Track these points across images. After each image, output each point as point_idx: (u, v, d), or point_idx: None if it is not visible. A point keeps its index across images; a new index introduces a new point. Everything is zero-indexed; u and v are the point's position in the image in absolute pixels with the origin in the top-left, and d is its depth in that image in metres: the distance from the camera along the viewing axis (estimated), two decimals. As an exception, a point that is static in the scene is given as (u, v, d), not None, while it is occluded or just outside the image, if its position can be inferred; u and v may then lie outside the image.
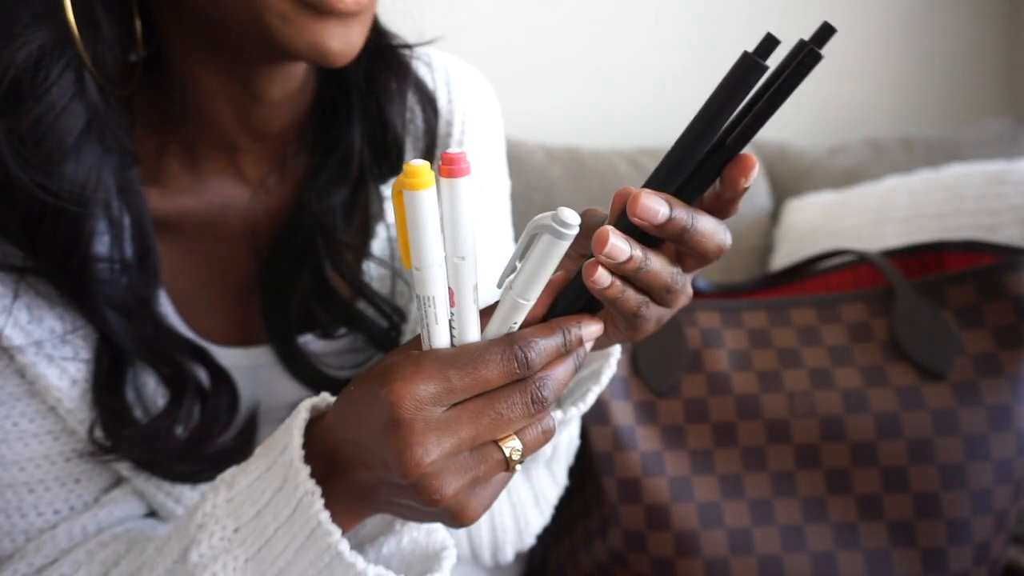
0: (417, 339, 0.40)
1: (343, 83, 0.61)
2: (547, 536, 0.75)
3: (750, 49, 0.36)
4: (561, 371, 0.39)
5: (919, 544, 0.64)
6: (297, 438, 0.42)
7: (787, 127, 1.69)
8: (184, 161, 0.58)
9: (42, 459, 0.56)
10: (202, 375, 0.58)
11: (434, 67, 0.67)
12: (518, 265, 0.37)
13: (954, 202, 1.15)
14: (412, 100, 0.65)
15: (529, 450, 0.40)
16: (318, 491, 0.41)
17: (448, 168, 0.34)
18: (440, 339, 0.38)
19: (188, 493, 0.60)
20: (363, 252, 0.63)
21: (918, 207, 1.18)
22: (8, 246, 0.52)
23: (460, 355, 0.37)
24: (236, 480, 0.45)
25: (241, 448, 0.59)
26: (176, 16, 0.52)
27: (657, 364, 0.69)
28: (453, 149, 0.36)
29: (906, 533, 0.64)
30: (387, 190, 0.64)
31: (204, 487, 0.60)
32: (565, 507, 0.75)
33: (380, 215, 0.64)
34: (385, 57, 0.61)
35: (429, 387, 0.37)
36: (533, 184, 1.30)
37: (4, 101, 0.48)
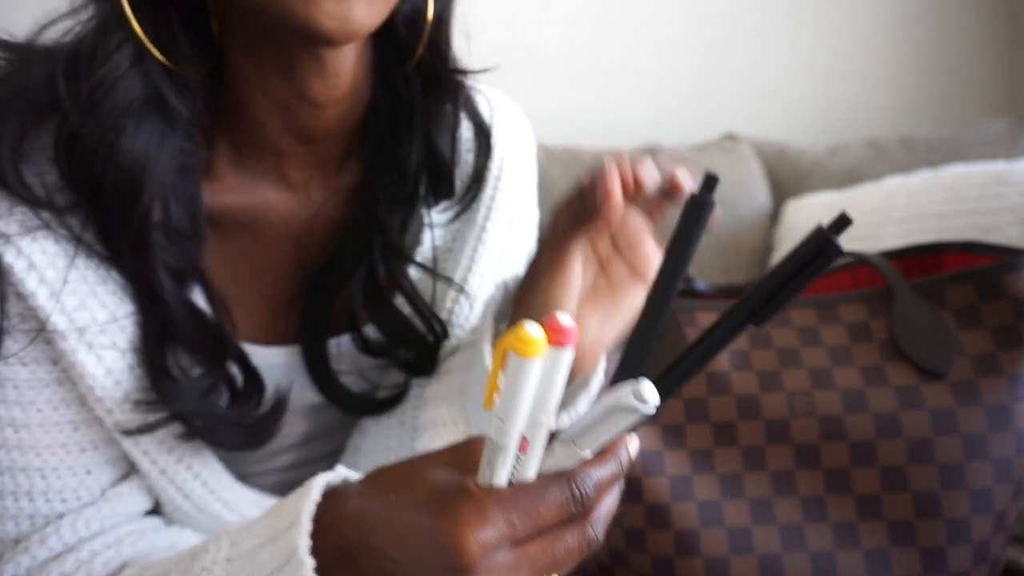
0: (466, 456, 0.40)
1: (400, 102, 0.61)
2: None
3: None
4: (610, 500, 0.41)
5: (919, 544, 0.64)
6: (305, 523, 0.42)
7: (787, 127, 1.70)
8: (231, 161, 0.59)
9: (59, 447, 0.56)
10: (235, 370, 0.59)
11: (485, 98, 0.69)
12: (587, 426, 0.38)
13: (954, 202, 1.15)
14: (468, 130, 0.66)
15: (564, 573, 0.41)
16: None
17: (557, 337, 0.35)
18: (500, 480, 0.39)
19: (198, 490, 0.60)
20: (407, 267, 0.64)
21: (918, 207, 1.18)
22: (67, 218, 0.52)
23: (522, 497, 0.38)
24: (239, 540, 0.45)
25: (274, 420, 0.61)
26: (223, 10, 0.54)
27: (658, 364, 0.69)
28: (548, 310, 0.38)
29: (906, 533, 0.65)
30: (434, 216, 0.65)
31: (214, 484, 0.61)
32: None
33: (419, 238, 0.65)
34: (441, 79, 0.62)
35: (495, 532, 0.37)
36: (533, 184, 1.30)
37: (69, 62, 0.50)
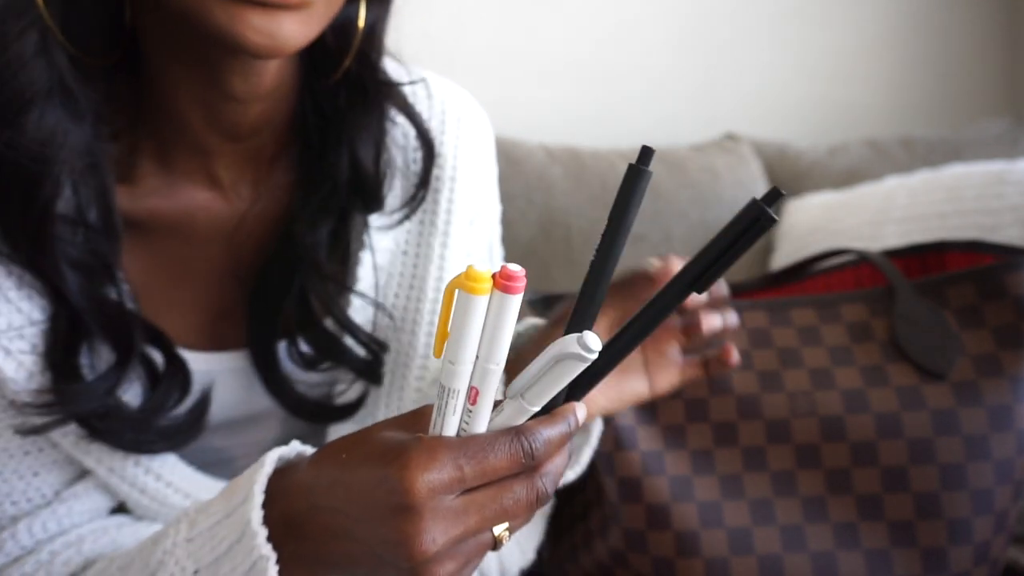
0: (418, 418, 0.41)
1: (328, 109, 0.60)
2: (547, 536, 0.75)
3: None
4: (560, 461, 0.41)
5: (919, 544, 0.64)
6: (258, 496, 0.42)
7: (787, 127, 1.69)
8: (156, 161, 0.58)
9: (0, 452, 0.55)
10: (157, 358, 0.58)
11: (433, 97, 0.67)
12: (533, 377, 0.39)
13: (954, 202, 1.15)
14: (409, 134, 0.65)
15: (515, 529, 0.42)
16: (272, 557, 0.41)
17: (504, 283, 0.36)
18: (450, 429, 0.39)
19: (152, 484, 0.59)
20: (345, 282, 0.63)
21: (918, 207, 1.18)
22: None
23: (471, 444, 0.38)
24: (197, 520, 0.45)
25: (192, 423, 0.59)
26: (143, 5, 0.52)
27: (657, 364, 0.69)
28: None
29: (906, 533, 0.64)
30: (373, 220, 0.64)
31: (169, 477, 0.60)
32: (565, 507, 0.75)
33: (361, 245, 0.64)
34: (368, 91, 0.60)
35: (443, 475, 0.37)
36: (533, 184, 1.30)
37: None
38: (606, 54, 1.59)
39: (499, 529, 0.40)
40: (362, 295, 0.63)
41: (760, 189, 1.45)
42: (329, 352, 0.63)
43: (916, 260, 0.78)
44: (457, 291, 0.36)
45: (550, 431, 0.40)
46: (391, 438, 0.39)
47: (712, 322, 0.60)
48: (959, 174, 1.20)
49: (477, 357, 0.38)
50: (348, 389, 0.66)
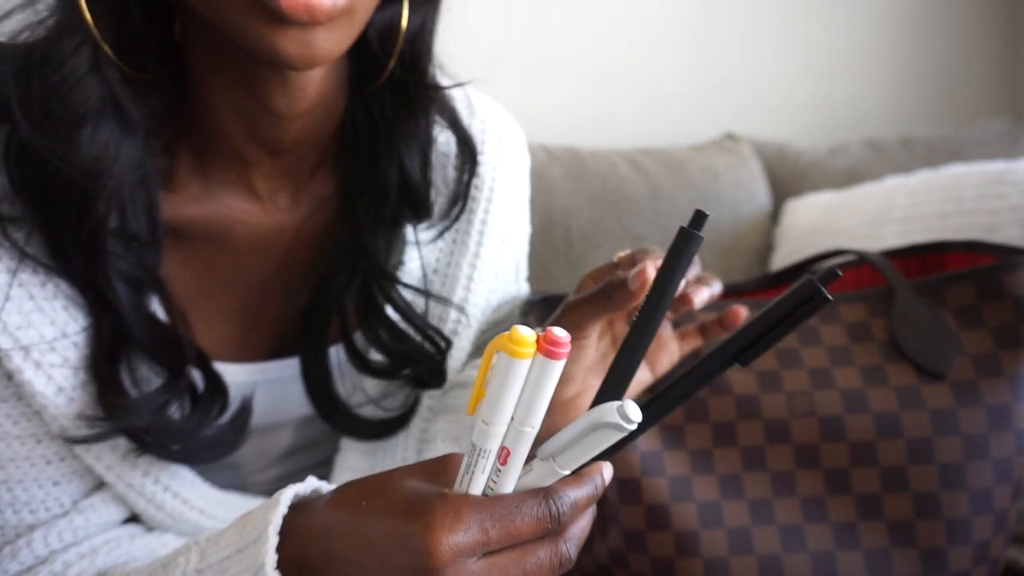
0: (444, 467, 0.40)
1: (373, 117, 0.60)
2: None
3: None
4: (585, 522, 0.41)
5: (919, 544, 0.64)
6: (272, 538, 0.41)
7: (787, 127, 1.69)
8: (195, 171, 0.58)
9: (22, 460, 0.55)
10: (196, 377, 0.58)
11: (475, 115, 0.67)
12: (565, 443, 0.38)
13: (954, 202, 1.15)
14: (450, 142, 0.64)
15: None
16: None
17: (549, 348, 0.35)
18: (477, 487, 0.39)
19: (169, 501, 0.59)
20: (397, 287, 0.63)
21: (918, 207, 1.18)
22: (11, 230, 0.51)
23: (498, 507, 0.38)
24: (208, 551, 0.45)
25: (236, 432, 0.59)
26: (187, 18, 0.52)
27: (657, 364, 0.69)
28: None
29: (906, 533, 0.64)
30: (409, 235, 0.64)
31: (187, 495, 0.60)
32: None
33: (402, 257, 0.64)
34: (414, 97, 0.60)
35: (468, 537, 0.37)
36: (533, 184, 1.29)
37: (20, 66, 0.48)
38: (606, 54, 1.59)
39: None
40: (417, 289, 0.63)
41: (760, 189, 1.45)
42: (396, 344, 0.62)
43: (916, 260, 0.78)
44: (498, 352, 0.35)
45: (577, 493, 0.39)
46: (415, 491, 0.39)
47: (702, 296, 0.57)
48: (959, 174, 1.20)
49: (512, 419, 0.37)
50: (398, 400, 0.65)
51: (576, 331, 0.53)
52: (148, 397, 0.54)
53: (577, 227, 1.31)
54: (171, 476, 0.59)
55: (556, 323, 0.51)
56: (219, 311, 0.61)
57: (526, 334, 0.35)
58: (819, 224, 1.28)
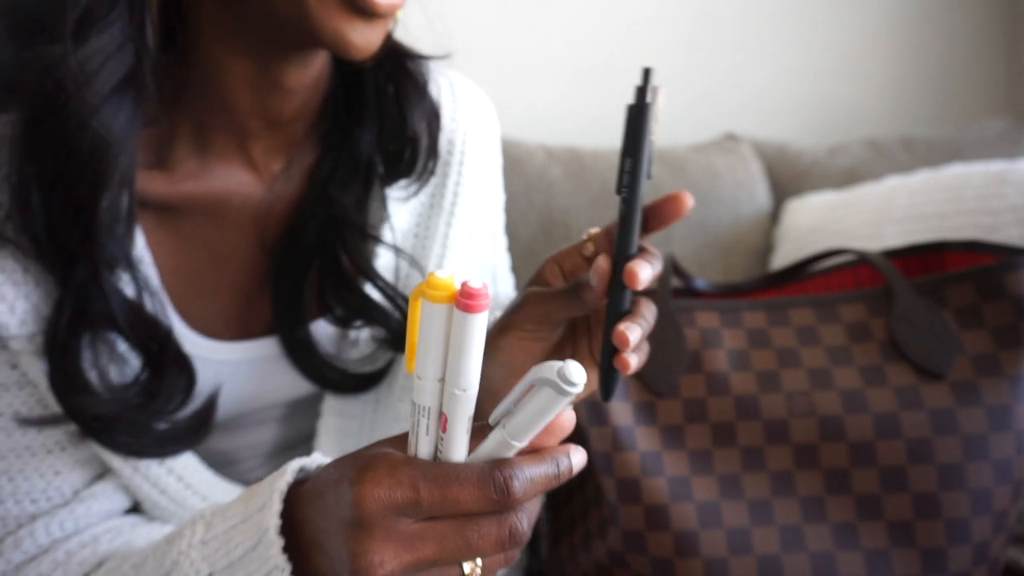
0: (404, 437, 0.39)
1: (360, 84, 0.63)
2: (547, 537, 0.75)
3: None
4: (536, 503, 0.38)
5: (918, 544, 0.64)
6: (276, 504, 0.41)
7: (787, 127, 1.69)
8: (193, 144, 0.58)
9: (23, 450, 0.56)
10: (166, 355, 0.57)
11: (439, 83, 0.69)
12: (513, 407, 0.36)
13: (954, 202, 1.15)
14: (422, 110, 0.66)
15: (492, 569, 0.39)
16: (288, 568, 0.40)
17: (463, 301, 0.33)
18: (424, 450, 0.38)
19: (174, 485, 0.60)
20: (370, 250, 0.64)
21: (918, 207, 1.18)
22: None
23: (437, 470, 0.36)
24: (213, 523, 0.45)
25: (193, 431, 0.59)
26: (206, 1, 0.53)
27: (656, 364, 0.69)
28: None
29: (905, 533, 0.64)
30: (392, 192, 0.65)
31: (190, 479, 0.61)
32: (564, 507, 0.75)
33: (383, 217, 0.65)
34: (406, 66, 0.63)
35: (396, 494, 0.35)
36: (533, 184, 1.30)
37: (76, 27, 0.49)
38: (606, 54, 1.59)
39: (468, 566, 0.38)
40: (391, 246, 0.64)
41: (760, 189, 1.45)
42: (362, 312, 0.63)
43: (916, 260, 0.78)
44: (422, 303, 0.34)
45: (533, 470, 0.37)
46: (369, 452, 0.38)
47: (645, 274, 0.48)
48: (959, 174, 1.20)
49: (444, 381, 0.36)
50: (374, 357, 0.66)
51: (540, 325, 0.49)
52: (117, 390, 0.55)
53: (577, 227, 1.31)
54: (175, 460, 0.60)
55: (517, 312, 0.49)
56: (212, 288, 0.62)
57: (442, 277, 0.33)
58: (819, 224, 1.28)
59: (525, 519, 0.37)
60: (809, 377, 0.68)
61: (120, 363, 0.56)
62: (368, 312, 0.63)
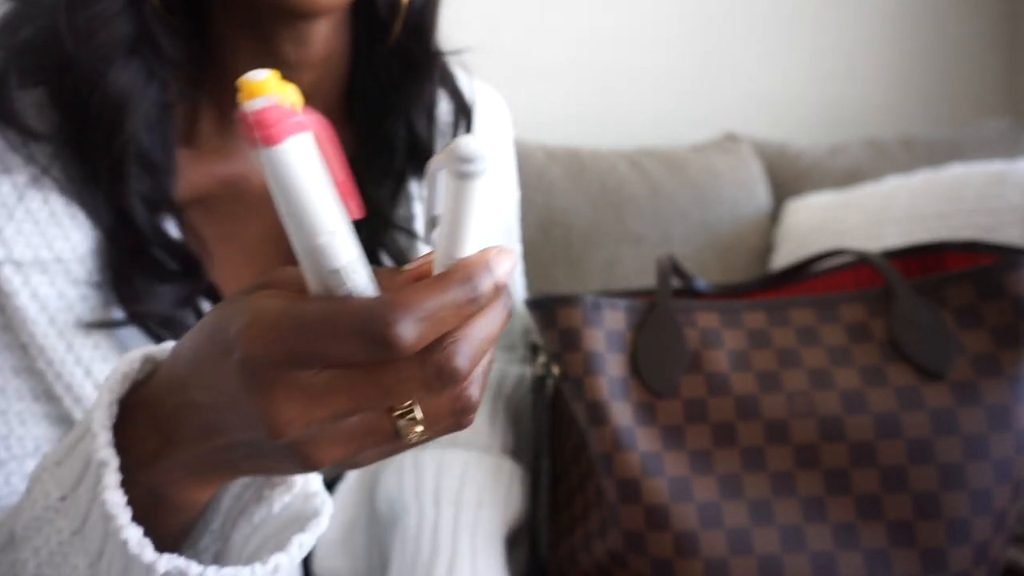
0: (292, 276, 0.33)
1: (381, 80, 0.64)
2: (547, 537, 0.75)
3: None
4: (482, 327, 0.30)
5: (918, 544, 0.64)
6: (105, 396, 0.36)
7: (787, 127, 1.69)
8: (215, 124, 0.61)
9: None
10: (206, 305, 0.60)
11: (470, 82, 0.72)
12: (436, 216, 0.30)
13: (954, 202, 1.15)
14: (448, 112, 0.69)
15: (434, 421, 0.32)
16: (113, 463, 0.35)
17: (264, 132, 0.26)
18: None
19: None
20: (402, 244, 0.66)
21: (918, 207, 1.18)
22: (34, 149, 0.54)
23: (320, 312, 0.29)
24: (62, 441, 0.40)
25: None
26: None
27: (656, 365, 0.69)
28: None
29: (905, 533, 0.64)
30: (415, 189, 0.67)
31: None
32: (565, 508, 0.75)
33: (409, 207, 0.67)
34: (418, 60, 0.64)
35: (279, 348, 0.29)
36: (533, 184, 1.30)
37: None
38: (606, 54, 1.59)
39: (404, 422, 0.32)
40: (419, 237, 0.66)
41: (760, 189, 1.45)
42: None
43: (916, 260, 0.78)
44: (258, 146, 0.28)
45: (434, 301, 0.28)
46: (240, 303, 0.31)
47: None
48: (959, 174, 1.20)
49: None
50: None
51: None
52: (165, 292, 0.57)
53: (577, 227, 1.31)
54: None
55: None
56: (235, 268, 0.63)
57: (253, 78, 0.27)
58: (819, 224, 1.28)
59: (459, 352, 0.30)
60: (809, 377, 0.68)
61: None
62: None
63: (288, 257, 0.62)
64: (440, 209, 0.30)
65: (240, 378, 0.30)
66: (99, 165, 0.55)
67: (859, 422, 0.66)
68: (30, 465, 0.56)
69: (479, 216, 0.29)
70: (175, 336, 0.57)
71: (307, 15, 0.53)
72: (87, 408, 0.44)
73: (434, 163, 0.29)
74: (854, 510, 0.65)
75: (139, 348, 0.38)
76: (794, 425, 0.67)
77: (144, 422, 0.36)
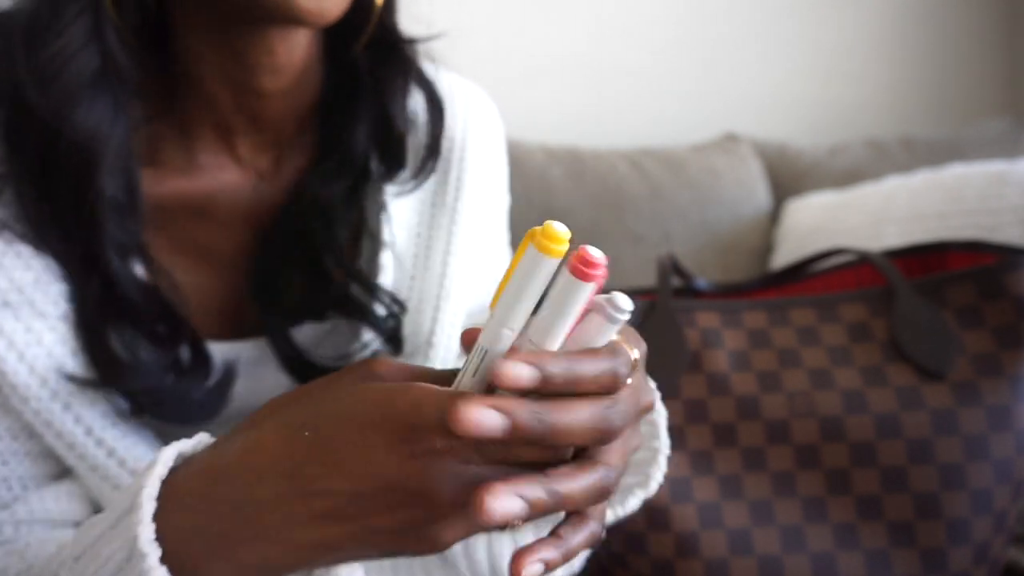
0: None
1: (351, 79, 0.62)
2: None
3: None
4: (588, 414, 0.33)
5: (919, 544, 0.64)
6: (147, 505, 0.35)
7: (787, 127, 1.69)
8: (180, 141, 0.59)
9: None
10: (184, 347, 0.57)
11: (441, 73, 0.69)
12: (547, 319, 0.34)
13: (954, 202, 1.15)
14: (419, 102, 0.66)
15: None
16: None
17: (577, 266, 0.32)
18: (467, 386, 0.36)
19: (127, 480, 0.56)
20: (357, 249, 0.63)
21: (918, 207, 1.18)
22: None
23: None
24: (81, 537, 0.40)
25: (216, 399, 0.58)
26: None
27: (657, 365, 0.69)
28: (557, 228, 0.31)
29: (906, 533, 0.64)
30: (390, 189, 0.64)
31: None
32: (565, 507, 0.75)
33: (378, 220, 0.63)
34: (392, 51, 0.62)
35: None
36: (533, 184, 1.30)
37: (25, 35, 0.50)
38: (606, 54, 1.59)
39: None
40: (373, 236, 0.63)
41: (760, 189, 1.45)
42: (350, 312, 0.62)
43: (916, 260, 0.78)
44: (531, 248, 0.32)
45: (571, 366, 0.33)
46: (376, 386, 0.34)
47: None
48: (959, 174, 1.20)
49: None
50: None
51: None
52: (146, 363, 0.54)
53: (577, 227, 1.31)
54: (136, 460, 0.56)
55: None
56: (203, 287, 0.61)
57: (559, 230, 0.31)
58: (819, 224, 1.28)
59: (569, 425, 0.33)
60: (810, 377, 0.68)
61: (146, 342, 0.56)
62: (357, 312, 0.62)
63: (250, 275, 0.61)
64: (548, 302, 0.34)
65: (437, 467, 0.32)
66: (66, 217, 0.51)
67: (859, 422, 0.66)
68: (21, 512, 0.54)
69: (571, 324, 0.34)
70: (157, 404, 0.54)
71: (312, 24, 0.51)
72: (116, 497, 0.40)
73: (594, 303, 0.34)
74: (854, 510, 0.65)
75: (180, 444, 0.38)
76: (794, 425, 0.67)
77: (177, 518, 0.36)
